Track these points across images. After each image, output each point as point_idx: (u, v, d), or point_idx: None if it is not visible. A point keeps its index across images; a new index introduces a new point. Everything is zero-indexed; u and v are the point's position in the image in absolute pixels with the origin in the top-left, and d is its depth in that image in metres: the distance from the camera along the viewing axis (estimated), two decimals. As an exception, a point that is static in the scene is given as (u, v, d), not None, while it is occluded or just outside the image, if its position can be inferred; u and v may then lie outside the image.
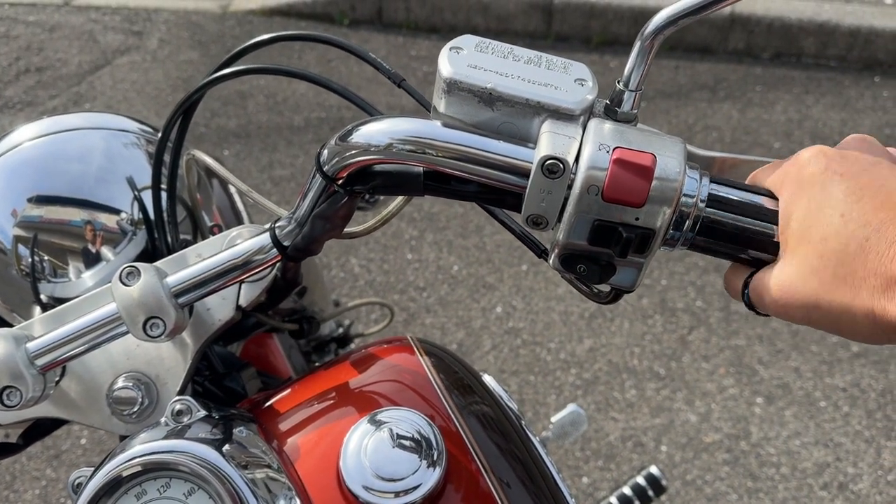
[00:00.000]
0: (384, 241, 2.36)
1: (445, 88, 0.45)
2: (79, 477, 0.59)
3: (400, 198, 0.61)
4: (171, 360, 0.69)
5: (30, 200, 0.77)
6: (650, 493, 1.13)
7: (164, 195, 0.75)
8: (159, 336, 0.57)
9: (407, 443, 0.56)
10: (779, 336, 2.10)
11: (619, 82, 0.45)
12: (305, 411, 0.65)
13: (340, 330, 1.36)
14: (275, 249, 0.58)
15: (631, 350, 2.05)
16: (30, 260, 0.77)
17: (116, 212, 0.79)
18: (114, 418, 0.67)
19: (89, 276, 0.78)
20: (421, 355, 0.68)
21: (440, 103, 0.46)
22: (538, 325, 2.11)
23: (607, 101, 0.46)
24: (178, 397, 0.60)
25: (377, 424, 0.57)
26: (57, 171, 0.79)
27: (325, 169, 0.51)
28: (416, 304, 2.17)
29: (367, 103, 0.64)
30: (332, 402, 0.65)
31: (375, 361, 0.68)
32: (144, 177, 0.80)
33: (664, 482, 1.15)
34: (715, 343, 2.08)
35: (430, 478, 0.54)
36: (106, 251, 0.77)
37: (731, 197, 0.43)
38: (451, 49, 0.46)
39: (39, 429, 0.74)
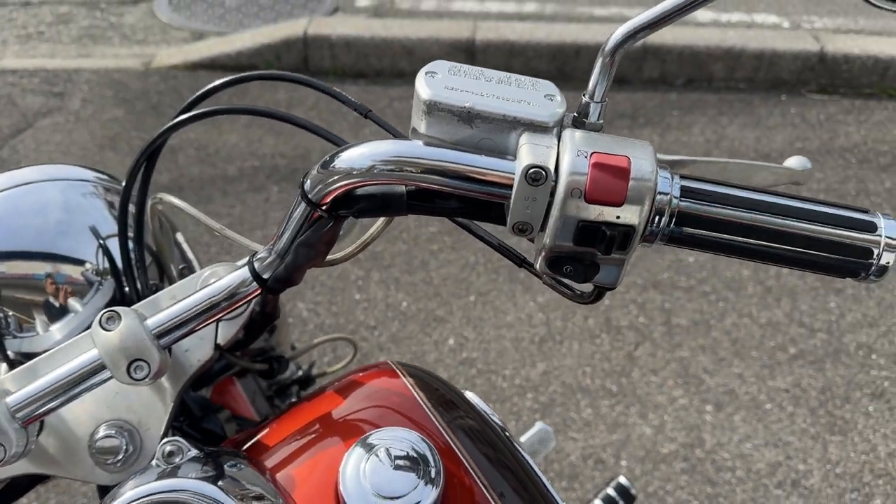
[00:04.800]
0: (330, 284, 2.36)
1: (426, 110, 0.47)
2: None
3: (380, 221, 0.63)
4: (151, 404, 0.68)
5: None
6: (621, 503, 1.16)
7: (130, 242, 0.74)
8: (144, 378, 0.57)
9: (403, 462, 0.57)
10: (720, 345, 2.18)
11: (584, 95, 0.49)
12: (296, 442, 0.65)
13: (300, 372, 1.36)
14: (255, 283, 0.59)
15: (583, 370, 2.09)
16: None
17: (80, 262, 0.78)
18: (97, 469, 0.66)
19: (57, 329, 0.76)
20: (404, 377, 0.69)
21: (420, 124, 0.48)
22: (491, 353, 2.14)
23: (575, 114, 0.49)
24: (168, 438, 0.59)
25: (372, 446, 0.58)
26: (15, 227, 0.78)
27: (309, 196, 0.53)
28: (369, 342, 2.17)
29: (340, 138, 0.66)
30: (321, 430, 0.65)
31: (360, 387, 0.69)
32: (106, 225, 0.80)
33: (633, 491, 1.18)
34: (661, 357, 2.14)
35: (429, 494, 0.55)
36: (73, 303, 0.76)
37: (707, 188, 0.47)
38: (426, 74, 0.49)
39: (16, 488, 0.72)
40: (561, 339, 2.19)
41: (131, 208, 0.74)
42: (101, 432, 0.65)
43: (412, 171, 0.49)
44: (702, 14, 3.82)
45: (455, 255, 2.47)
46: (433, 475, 0.56)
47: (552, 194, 0.45)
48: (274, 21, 3.84)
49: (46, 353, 0.64)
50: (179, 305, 0.58)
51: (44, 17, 3.98)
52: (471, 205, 0.52)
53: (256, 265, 0.58)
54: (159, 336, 0.57)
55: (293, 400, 1.20)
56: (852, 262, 0.48)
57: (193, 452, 0.60)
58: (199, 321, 0.59)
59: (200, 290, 0.59)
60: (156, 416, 0.68)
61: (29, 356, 0.75)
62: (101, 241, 0.79)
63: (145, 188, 0.73)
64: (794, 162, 0.62)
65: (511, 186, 0.47)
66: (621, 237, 0.45)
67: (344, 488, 0.56)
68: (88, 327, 0.74)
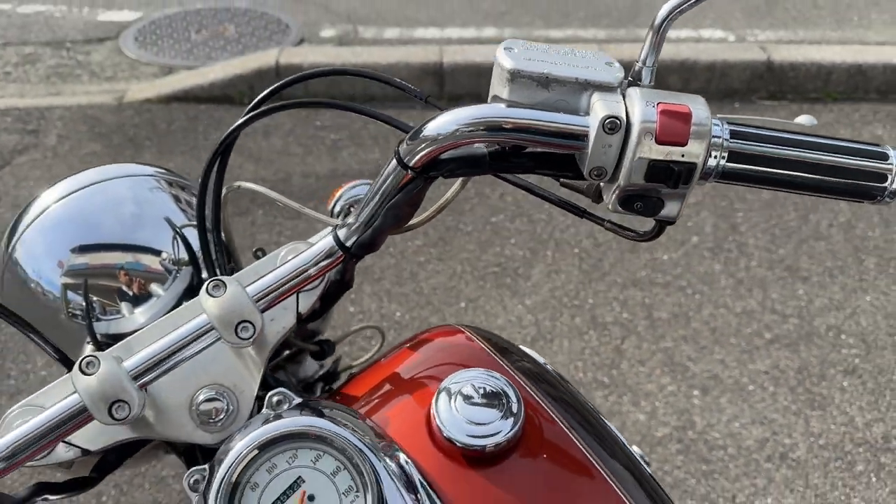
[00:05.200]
0: (324, 300, 2.42)
1: (509, 78, 0.57)
2: (194, 475, 0.64)
3: (456, 185, 0.71)
4: (242, 370, 0.74)
5: (73, 251, 0.82)
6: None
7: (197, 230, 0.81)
8: (249, 338, 0.64)
9: (488, 396, 0.65)
10: (700, 335, 2.30)
11: (637, 62, 0.59)
12: (383, 390, 0.72)
13: (323, 369, 1.42)
14: (339, 251, 0.67)
15: (574, 365, 2.19)
16: (80, 303, 0.81)
17: (157, 252, 0.84)
18: (199, 430, 0.70)
19: (141, 313, 0.83)
20: (471, 333, 0.77)
21: (504, 91, 0.58)
22: (486, 355, 2.22)
23: (630, 78, 0.59)
24: (275, 389, 0.66)
25: (458, 385, 0.66)
26: (93, 223, 0.84)
27: (404, 160, 0.61)
28: (367, 352, 2.23)
29: (406, 124, 0.73)
30: (405, 377, 0.73)
31: (431, 342, 0.77)
32: (176, 215, 0.87)
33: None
34: (647, 348, 2.25)
35: (513, 424, 0.63)
36: (155, 288, 0.83)
37: (750, 131, 0.57)
38: (504, 49, 0.58)
39: (110, 462, 0.78)
40: (551, 338, 2.29)
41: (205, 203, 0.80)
42: (203, 395, 0.69)
43: (499, 131, 0.58)
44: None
45: (442, 265, 2.56)
46: (514, 409, 0.64)
47: (625, 141, 0.55)
48: (241, 53, 3.92)
49: (157, 321, 0.70)
50: (272, 275, 0.66)
51: (9, 58, 3.98)
52: (546, 159, 0.61)
53: (340, 234, 0.66)
54: (259, 300, 0.65)
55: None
56: (871, 187, 0.58)
57: (298, 400, 0.67)
58: (289, 289, 0.66)
59: (287, 261, 0.67)
60: (247, 380, 0.74)
61: (115, 337, 0.81)
62: (177, 230, 0.86)
63: (221, 179, 0.80)
64: (803, 119, 0.73)
65: (586, 137, 0.56)
66: (686, 173, 0.55)
67: (439, 420, 0.63)
68: (171, 309, 0.81)
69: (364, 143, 3.18)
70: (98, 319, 0.82)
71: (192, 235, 0.87)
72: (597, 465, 0.67)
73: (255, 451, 0.60)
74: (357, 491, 0.59)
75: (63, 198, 0.86)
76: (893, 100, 3.47)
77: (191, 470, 0.64)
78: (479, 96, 3.58)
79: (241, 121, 0.76)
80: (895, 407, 2.08)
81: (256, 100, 0.79)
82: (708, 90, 3.57)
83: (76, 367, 0.59)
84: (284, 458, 0.61)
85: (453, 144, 0.60)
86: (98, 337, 0.82)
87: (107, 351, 0.66)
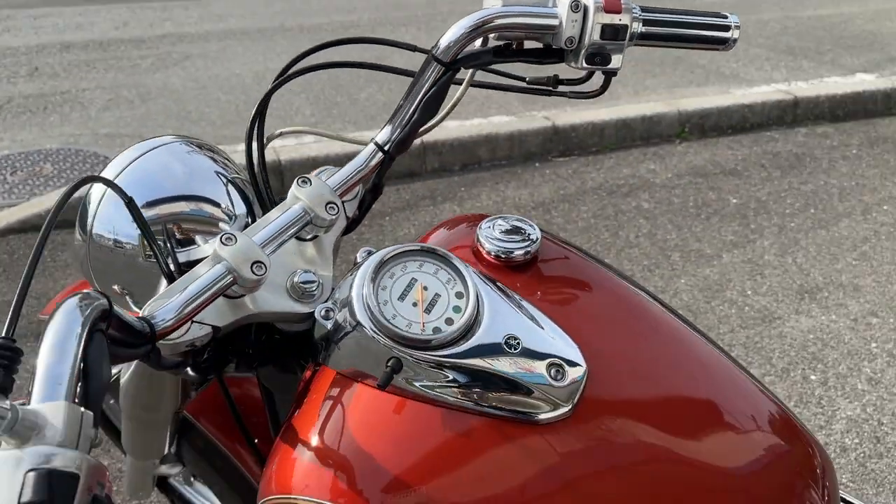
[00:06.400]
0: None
1: None
2: (323, 308, 0.81)
3: (462, 88, 1.00)
4: (318, 257, 0.95)
5: (143, 206, 0.98)
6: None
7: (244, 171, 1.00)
8: (335, 215, 0.85)
9: (513, 227, 0.92)
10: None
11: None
12: (432, 241, 0.96)
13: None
14: (379, 153, 0.93)
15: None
16: (156, 243, 0.95)
17: (212, 199, 0.99)
18: (296, 303, 0.83)
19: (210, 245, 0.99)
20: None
21: (497, 2, 0.90)
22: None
23: None
24: (362, 249, 0.89)
25: (490, 225, 0.92)
26: (153, 183, 0.98)
27: (439, 57, 0.91)
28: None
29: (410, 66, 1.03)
30: (448, 230, 0.98)
31: (452, 219, 1.03)
32: (219, 168, 1.01)
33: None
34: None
35: (533, 242, 0.85)
36: (217, 228, 0.99)
37: (653, 15, 0.93)
38: (493, -23, 0.92)
39: (217, 360, 0.92)
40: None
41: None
42: (298, 277, 0.83)
43: (500, 26, 0.90)
44: (462, 112, 4.62)
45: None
46: (534, 237, 0.91)
47: (585, 16, 0.89)
48: (68, 185, 3.92)
49: (260, 219, 0.89)
50: (336, 177, 0.90)
51: None
52: (530, 51, 0.93)
53: (378, 139, 0.93)
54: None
55: None
56: (721, 37, 0.97)
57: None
58: (352, 184, 0.91)
59: (341, 168, 0.92)
60: (323, 266, 0.93)
61: (191, 265, 0.95)
62: (227, 178, 1.03)
63: (262, 130, 1.01)
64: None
65: (558, 18, 0.89)
66: (622, 30, 0.90)
67: (482, 236, 0.89)
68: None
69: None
70: (172, 255, 0.97)
71: (232, 188, 1.02)
72: (603, 270, 0.94)
73: (384, 260, 0.78)
74: (454, 282, 0.83)
75: (119, 174, 1.02)
76: (654, 143, 4.28)
77: (319, 306, 0.81)
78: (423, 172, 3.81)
79: (271, 86, 0.98)
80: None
81: (284, 67, 1.03)
82: (512, 156, 4.17)
83: (217, 241, 0.72)
84: (399, 268, 0.79)
85: (474, 37, 0.90)
86: (175, 275, 0.96)
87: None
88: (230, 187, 0.96)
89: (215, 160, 0.99)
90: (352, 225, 1.02)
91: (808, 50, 5.71)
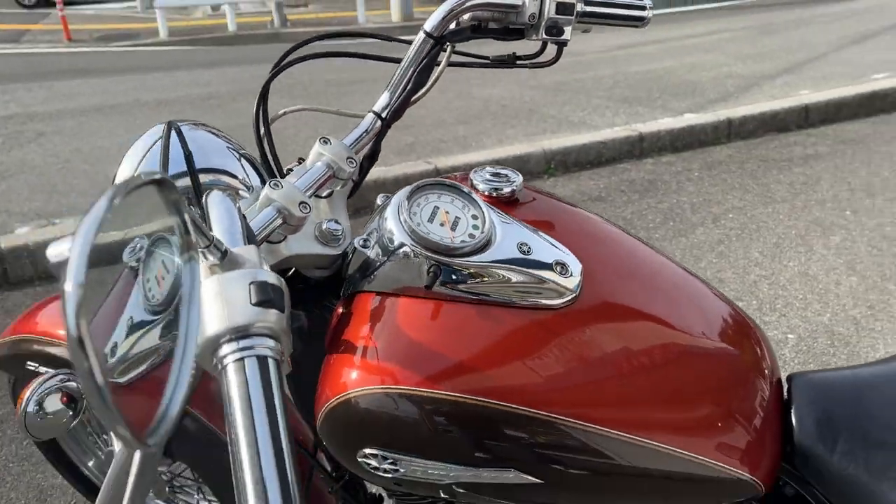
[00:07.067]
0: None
1: None
2: (381, 198, 0.96)
3: (443, 63, 1.18)
4: (336, 208, 1.08)
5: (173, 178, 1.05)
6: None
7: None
8: (356, 166, 1.01)
9: (498, 174, 1.08)
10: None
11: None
12: None
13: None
14: (378, 121, 1.09)
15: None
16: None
17: (228, 171, 1.05)
18: (325, 247, 0.94)
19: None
20: None
21: None
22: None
23: None
24: (380, 195, 1.04)
25: (481, 171, 1.10)
26: (174, 161, 1.07)
27: (429, 32, 1.09)
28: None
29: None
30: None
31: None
32: (230, 144, 1.10)
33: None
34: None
35: (516, 183, 1.03)
36: (242, 194, 1.07)
37: None
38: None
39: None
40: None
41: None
42: (325, 225, 0.94)
43: (475, 5, 1.09)
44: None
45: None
46: (516, 179, 1.02)
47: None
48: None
49: (289, 175, 1.01)
50: (348, 139, 1.05)
51: None
52: (498, 30, 1.13)
53: (376, 108, 1.10)
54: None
55: None
56: (641, 16, 1.21)
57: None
58: (357, 150, 1.06)
59: (341, 141, 1.07)
60: (341, 215, 1.06)
61: None
62: (239, 153, 1.12)
63: (266, 112, 1.14)
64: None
65: (522, 4, 1.10)
66: (570, 7, 1.12)
67: (475, 180, 1.02)
68: None
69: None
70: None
71: (244, 162, 1.12)
72: (575, 206, 1.14)
73: (413, 192, 0.89)
74: (469, 207, 0.95)
75: (139, 162, 1.07)
76: (526, 179, 4.63)
77: (356, 239, 0.93)
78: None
79: (270, 74, 1.10)
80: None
81: (281, 56, 1.17)
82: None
83: (266, 187, 0.83)
84: (422, 199, 0.89)
85: (455, 14, 1.09)
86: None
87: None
88: (243, 161, 1.04)
89: (219, 137, 1.09)
90: (353, 189, 1.15)
91: (641, 98, 6.40)
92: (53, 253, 0.49)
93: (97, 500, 1.20)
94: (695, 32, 9.60)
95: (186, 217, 0.62)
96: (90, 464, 1.73)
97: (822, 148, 5.06)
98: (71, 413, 1.02)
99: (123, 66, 9.52)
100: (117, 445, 0.80)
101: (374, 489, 1.29)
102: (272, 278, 0.66)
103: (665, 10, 12.06)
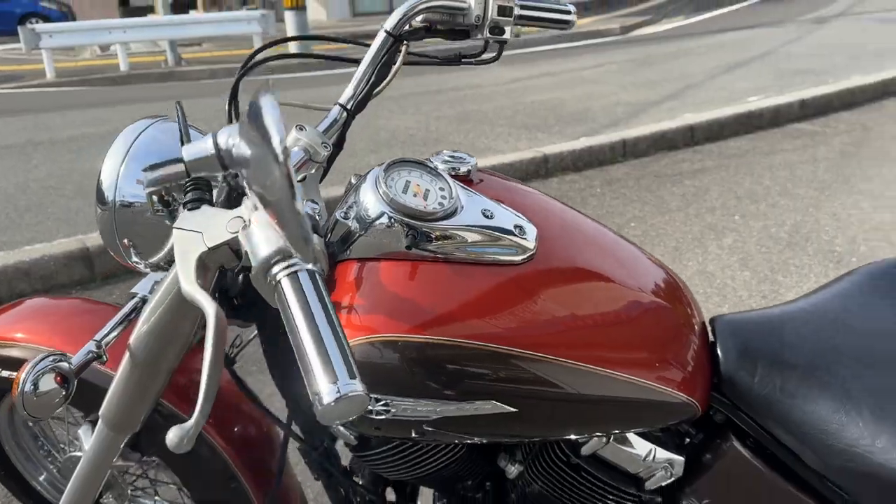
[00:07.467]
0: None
1: None
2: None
3: (399, 60, 1.30)
4: (310, 190, 1.18)
5: (144, 171, 1.15)
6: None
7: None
8: (328, 153, 1.13)
9: (455, 157, 1.22)
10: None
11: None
12: None
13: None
14: (344, 112, 1.22)
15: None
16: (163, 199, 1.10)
17: None
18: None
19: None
20: None
21: None
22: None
23: None
24: (352, 175, 1.16)
25: (440, 154, 1.23)
26: (151, 153, 1.15)
27: (389, 30, 1.22)
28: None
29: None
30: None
31: None
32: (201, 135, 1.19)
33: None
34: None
35: (470, 164, 1.20)
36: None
37: None
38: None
39: None
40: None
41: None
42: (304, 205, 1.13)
43: (429, 8, 1.23)
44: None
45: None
46: (470, 160, 1.19)
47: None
48: None
49: None
50: (319, 128, 1.17)
51: None
52: (450, 30, 1.27)
53: (341, 100, 1.22)
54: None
55: None
56: (566, 19, 1.37)
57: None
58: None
59: (310, 129, 1.19)
60: (316, 198, 1.17)
61: None
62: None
63: (238, 109, 1.23)
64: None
65: (466, 2, 1.25)
66: (510, 9, 1.26)
67: (435, 160, 1.17)
68: None
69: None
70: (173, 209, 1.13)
71: None
72: (525, 185, 1.28)
73: (387, 168, 1.02)
74: (436, 181, 1.03)
75: (125, 155, 1.15)
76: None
77: (337, 212, 1.07)
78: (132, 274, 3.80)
79: (239, 73, 1.18)
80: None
81: (248, 56, 1.26)
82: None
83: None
84: (395, 174, 0.99)
85: (411, 15, 1.22)
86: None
87: None
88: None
89: (199, 130, 1.18)
90: (323, 174, 1.26)
91: (539, 125, 6.74)
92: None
93: (72, 479, 1.24)
94: (582, 65, 10.16)
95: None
96: (41, 478, 1.73)
97: (709, 162, 5.50)
98: (64, 393, 1.06)
99: (11, 107, 9.15)
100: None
101: (345, 462, 1.37)
102: (309, 209, 0.76)
103: (553, 46, 12.69)
